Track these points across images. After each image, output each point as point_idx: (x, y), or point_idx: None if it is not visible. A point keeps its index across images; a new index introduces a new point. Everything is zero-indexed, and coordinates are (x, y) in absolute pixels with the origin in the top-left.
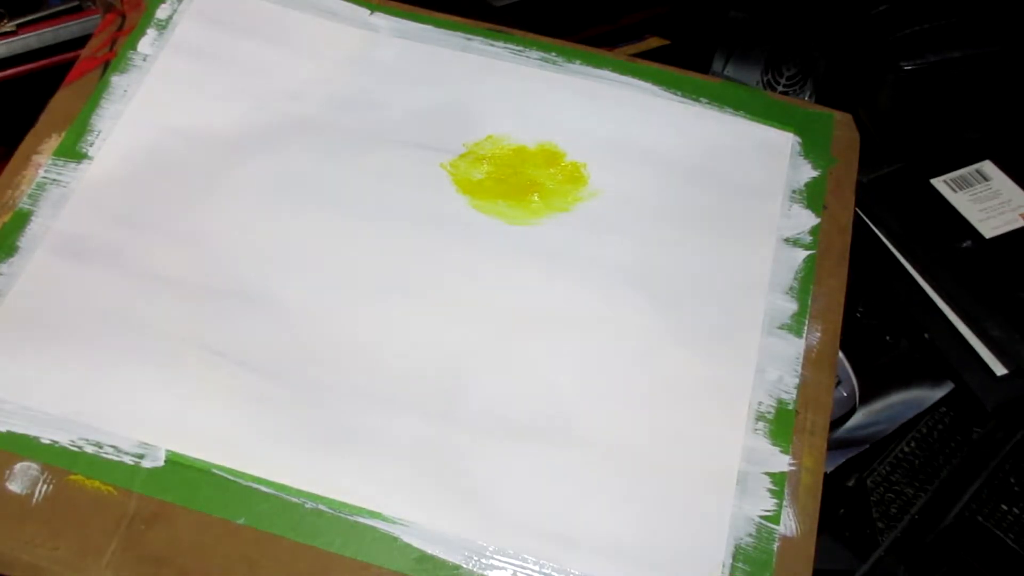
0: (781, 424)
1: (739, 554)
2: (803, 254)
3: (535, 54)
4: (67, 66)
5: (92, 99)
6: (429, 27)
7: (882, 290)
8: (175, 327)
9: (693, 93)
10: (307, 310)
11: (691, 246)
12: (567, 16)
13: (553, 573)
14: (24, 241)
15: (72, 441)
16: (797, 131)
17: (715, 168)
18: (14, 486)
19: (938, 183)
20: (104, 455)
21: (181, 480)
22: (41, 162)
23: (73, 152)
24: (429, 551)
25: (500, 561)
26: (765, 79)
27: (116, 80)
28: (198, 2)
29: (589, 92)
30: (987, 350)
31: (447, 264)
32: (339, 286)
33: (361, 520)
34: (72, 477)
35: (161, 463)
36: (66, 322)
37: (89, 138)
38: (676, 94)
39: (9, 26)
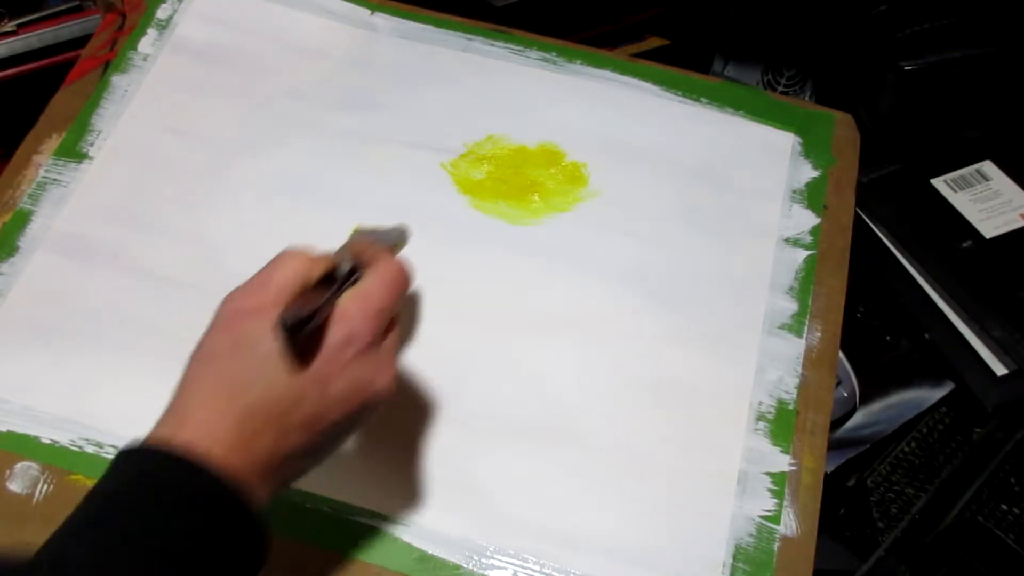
0: (781, 424)
1: (739, 554)
2: (803, 254)
3: (535, 54)
4: (67, 66)
5: (92, 99)
6: (429, 27)
7: (882, 290)
8: (175, 326)
9: (693, 93)
10: None
11: (691, 246)
12: (567, 16)
13: (553, 573)
14: (24, 241)
15: (72, 441)
16: (797, 131)
17: (715, 168)
18: (14, 486)
19: (938, 183)
20: (104, 455)
21: None
22: (41, 162)
23: (73, 152)
24: (429, 551)
25: (500, 561)
26: (765, 79)
27: (116, 80)
28: (199, 2)
29: (590, 92)
30: (987, 350)
31: (447, 264)
32: None
33: (361, 520)
34: (72, 477)
35: None
36: (66, 322)
37: (89, 138)
38: (676, 94)
39: (9, 26)
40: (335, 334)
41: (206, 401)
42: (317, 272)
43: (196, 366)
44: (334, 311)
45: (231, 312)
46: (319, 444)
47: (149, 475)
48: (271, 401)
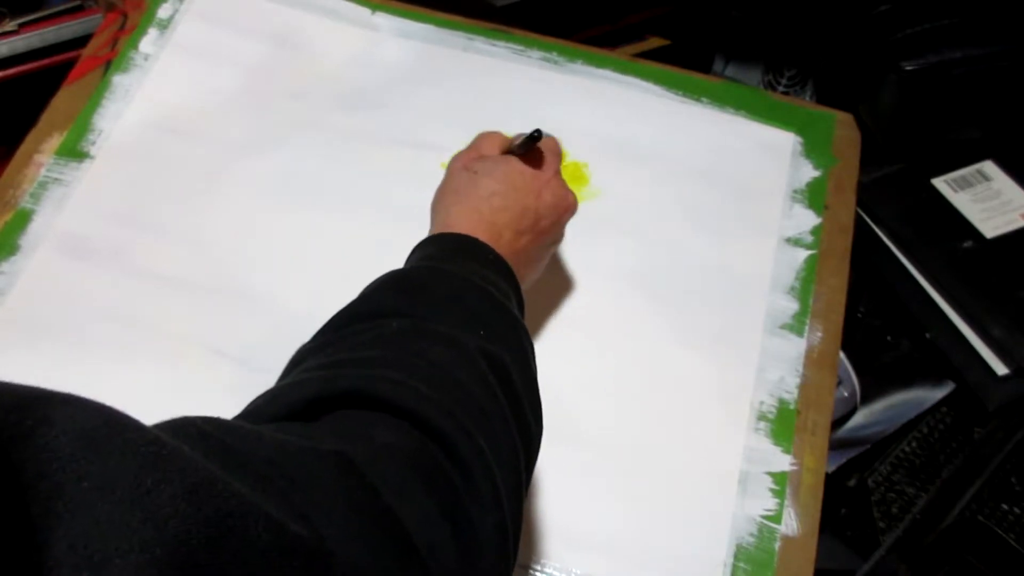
0: (783, 424)
1: (740, 553)
2: (804, 254)
3: (536, 54)
4: (69, 65)
5: (93, 98)
6: (430, 27)
7: (883, 290)
8: (176, 326)
9: (694, 93)
10: (308, 308)
11: (692, 246)
12: (568, 16)
13: (554, 572)
14: (25, 240)
15: None
16: (798, 131)
17: (716, 168)
18: None
19: (939, 183)
20: None
21: None
22: (43, 161)
23: (75, 151)
24: None
25: None
26: (766, 79)
27: (117, 79)
28: (199, 2)
29: (590, 92)
30: (988, 350)
31: None
32: (340, 285)
33: None
34: None
35: None
36: (67, 321)
37: (90, 137)
38: (677, 94)
39: (11, 25)
40: (541, 160)
41: (462, 216)
42: (507, 141)
43: (443, 201)
44: (534, 151)
45: (462, 162)
46: (537, 250)
47: (457, 242)
48: (508, 204)
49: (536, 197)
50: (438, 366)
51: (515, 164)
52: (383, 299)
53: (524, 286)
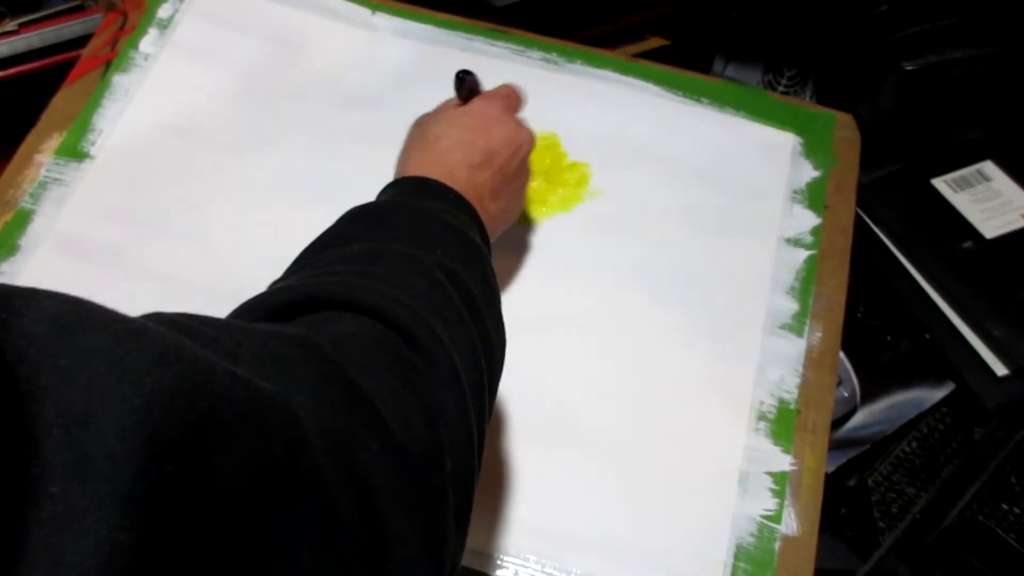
0: (783, 424)
1: (740, 553)
2: (804, 254)
3: (536, 54)
4: (69, 65)
5: (94, 98)
6: (430, 27)
7: (883, 290)
8: None
9: (694, 93)
10: None
11: (692, 246)
12: (568, 16)
13: (554, 573)
14: (25, 240)
15: None
16: (798, 131)
17: (716, 168)
18: None
19: (939, 183)
20: None
21: None
22: (43, 161)
23: (75, 151)
24: None
25: (502, 560)
26: (766, 79)
27: (117, 79)
28: (199, 2)
29: (590, 92)
30: (988, 350)
31: None
32: None
33: None
34: None
35: None
36: None
37: (91, 137)
38: (677, 94)
39: (11, 25)
40: (485, 95)
41: (414, 163)
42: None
43: (401, 158)
44: (483, 97)
45: (415, 122)
46: (500, 185)
47: (415, 183)
48: (455, 143)
49: (485, 133)
50: (398, 274)
51: (459, 110)
52: (346, 229)
53: (495, 226)
